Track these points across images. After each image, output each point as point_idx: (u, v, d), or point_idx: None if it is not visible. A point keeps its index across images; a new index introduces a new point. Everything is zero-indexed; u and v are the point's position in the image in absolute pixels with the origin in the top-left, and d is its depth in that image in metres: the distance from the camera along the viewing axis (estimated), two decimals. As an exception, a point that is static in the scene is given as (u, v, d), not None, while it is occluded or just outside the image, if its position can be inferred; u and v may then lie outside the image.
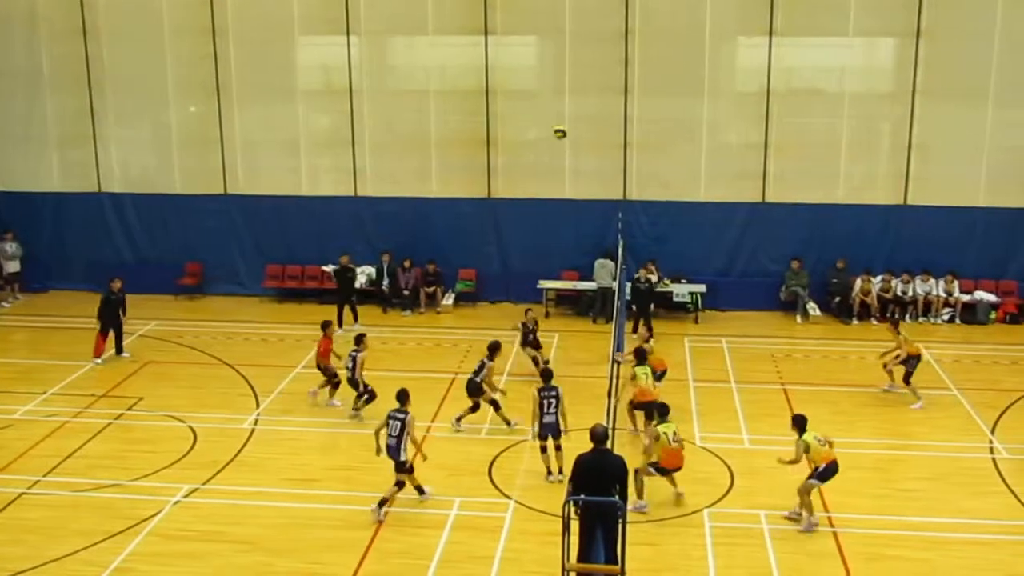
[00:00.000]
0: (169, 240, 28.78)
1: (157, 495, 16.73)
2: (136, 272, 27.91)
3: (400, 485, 16.15)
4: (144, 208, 28.71)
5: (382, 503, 15.99)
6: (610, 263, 26.04)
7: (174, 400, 20.90)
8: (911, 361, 20.74)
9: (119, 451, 18.55)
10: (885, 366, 21.19)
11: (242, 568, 14.69)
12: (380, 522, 15.82)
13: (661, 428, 16.26)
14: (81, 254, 28.97)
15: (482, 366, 19.41)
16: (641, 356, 19.15)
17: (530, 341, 22.37)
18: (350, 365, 19.90)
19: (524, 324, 22.46)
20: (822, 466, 15.60)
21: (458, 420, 19.48)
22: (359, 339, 20.13)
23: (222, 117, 28.04)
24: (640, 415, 18.80)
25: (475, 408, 19.42)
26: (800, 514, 15.78)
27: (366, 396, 19.90)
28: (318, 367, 20.79)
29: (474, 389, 19.33)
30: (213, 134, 28.13)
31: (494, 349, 19.67)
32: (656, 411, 16.72)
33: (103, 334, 23.21)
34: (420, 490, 16.52)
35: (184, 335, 25.26)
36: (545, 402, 17.18)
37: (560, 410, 17.22)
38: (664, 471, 16.30)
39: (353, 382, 19.93)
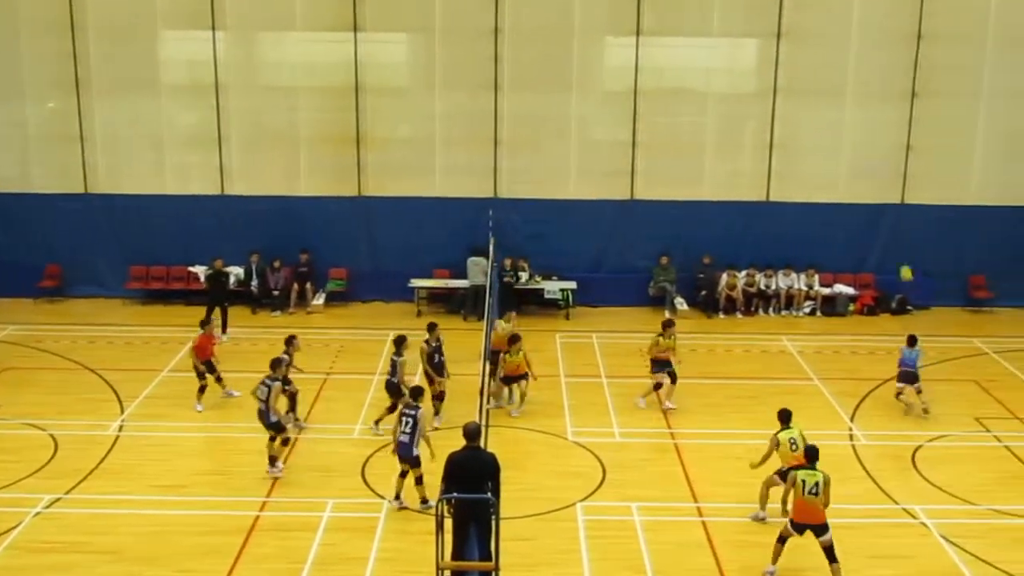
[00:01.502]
0: (27, 241, 27.65)
1: (17, 506, 16.15)
2: (-8, 274, 26.95)
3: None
4: (-1, 208, 27.72)
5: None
6: (483, 260, 26.12)
7: (34, 407, 20.17)
8: (665, 365, 20.56)
9: (-25, 461, 17.87)
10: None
11: (108, 578, 14.31)
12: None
13: (800, 474, 14.31)
14: (-68, 256, 27.82)
15: (394, 365, 18.87)
16: (513, 341, 19.99)
17: (436, 363, 19.75)
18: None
19: (427, 342, 19.64)
20: (786, 467, 15.60)
21: (376, 424, 19.11)
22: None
23: (82, 113, 27.19)
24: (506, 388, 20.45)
25: (393, 408, 18.75)
26: (762, 517, 16.02)
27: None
28: (195, 366, 20.22)
29: (394, 390, 18.86)
30: (72, 131, 27.26)
31: (400, 343, 19.07)
32: (805, 455, 14.73)
33: None
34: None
35: (44, 339, 24.44)
36: (403, 419, 16.03)
37: (418, 433, 15.95)
38: (798, 527, 14.30)
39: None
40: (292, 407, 19.16)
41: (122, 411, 20.15)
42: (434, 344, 19.57)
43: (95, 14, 26.72)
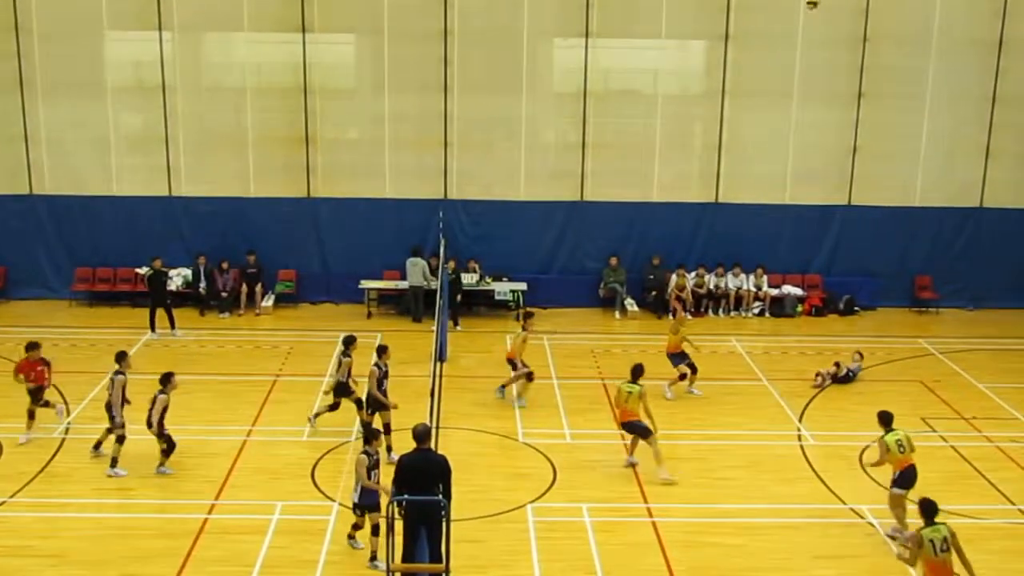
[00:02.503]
0: (-32, 243, 27.36)
1: (-41, 511, 15.92)
2: (-67, 276, 26.53)
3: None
4: (-59, 209, 27.22)
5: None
6: (421, 261, 26.16)
7: (-24, 411, 19.85)
8: (683, 357, 21.36)
9: (-84, 466, 17.55)
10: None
11: (53, 583, 14.12)
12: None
13: (927, 534, 12.77)
14: None
15: (341, 365, 18.60)
16: (637, 373, 18.12)
17: (381, 391, 18.01)
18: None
19: (378, 365, 18.12)
20: (897, 472, 15.49)
21: (314, 417, 19.00)
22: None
23: (26, 114, 26.81)
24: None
25: (335, 407, 18.73)
26: (900, 532, 15.48)
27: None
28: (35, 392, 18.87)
29: (343, 390, 18.65)
30: (17, 131, 26.87)
31: (349, 343, 18.70)
32: (921, 510, 13.16)
33: None
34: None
35: (-13, 342, 24.08)
36: (372, 472, 14.55)
37: (358, 481, 14.53)
38: None
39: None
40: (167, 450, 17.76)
41: (68, 413, 19.85)
42: (384, 368, 18.08)
43: (39, 14, 26.35)
